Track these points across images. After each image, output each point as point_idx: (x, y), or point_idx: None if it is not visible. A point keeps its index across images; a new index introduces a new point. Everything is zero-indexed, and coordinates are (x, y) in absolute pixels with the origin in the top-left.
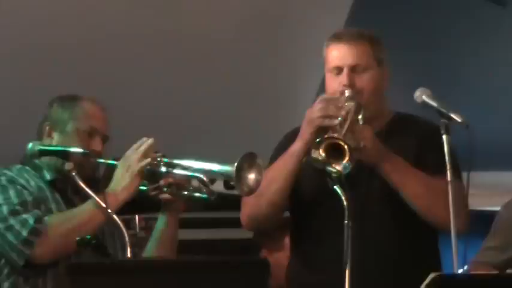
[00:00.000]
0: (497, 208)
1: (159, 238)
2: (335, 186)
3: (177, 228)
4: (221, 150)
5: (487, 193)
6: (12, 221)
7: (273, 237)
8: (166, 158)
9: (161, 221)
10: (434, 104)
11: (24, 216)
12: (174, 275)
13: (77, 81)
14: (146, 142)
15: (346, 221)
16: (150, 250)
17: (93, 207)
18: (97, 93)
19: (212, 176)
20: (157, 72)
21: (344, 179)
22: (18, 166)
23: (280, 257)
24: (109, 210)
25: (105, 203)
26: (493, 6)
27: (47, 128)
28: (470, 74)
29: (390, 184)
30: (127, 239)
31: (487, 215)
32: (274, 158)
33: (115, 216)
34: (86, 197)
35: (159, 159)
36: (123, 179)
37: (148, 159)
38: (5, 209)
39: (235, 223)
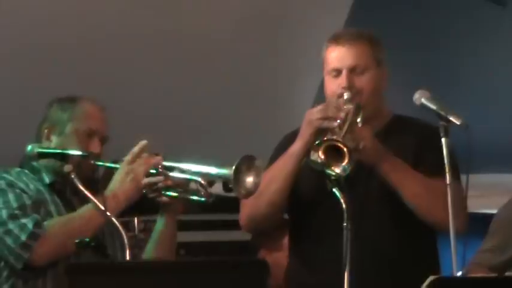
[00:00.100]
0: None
1: (158, 239)
2: (334, 189)
3: (175, 230)
4: (221, 150)
5: (486, 194)
6: (11, 225)
7: (271, 237)
8: (165, 160)
9: (160, 223)
10: (433, 106)
11: (23, 220)
12: (173, 275)
13: (77, 81)
14: (157, 158)
15: (344, 224)
16: (149, 251)
17: (92, 210)
18: (97, 93)
19: (210, 178)
20: (157, 72)
21: (343, 181)
22: (17, 169)
23: (279, 257)
24: (108, 213)
25: (105, 206)
26: (492, 6)
27: (46, 130)
28: (470, 74)
29: (389, 184)
30: (126, 241)
31: (486, 217)
32: (273, 158)
33: (114, 219)
34: (85, 198)
35: (160, 168)
36: (126, 186)
37: (160, 178)
38: (4, 213)
39: (234, 225)
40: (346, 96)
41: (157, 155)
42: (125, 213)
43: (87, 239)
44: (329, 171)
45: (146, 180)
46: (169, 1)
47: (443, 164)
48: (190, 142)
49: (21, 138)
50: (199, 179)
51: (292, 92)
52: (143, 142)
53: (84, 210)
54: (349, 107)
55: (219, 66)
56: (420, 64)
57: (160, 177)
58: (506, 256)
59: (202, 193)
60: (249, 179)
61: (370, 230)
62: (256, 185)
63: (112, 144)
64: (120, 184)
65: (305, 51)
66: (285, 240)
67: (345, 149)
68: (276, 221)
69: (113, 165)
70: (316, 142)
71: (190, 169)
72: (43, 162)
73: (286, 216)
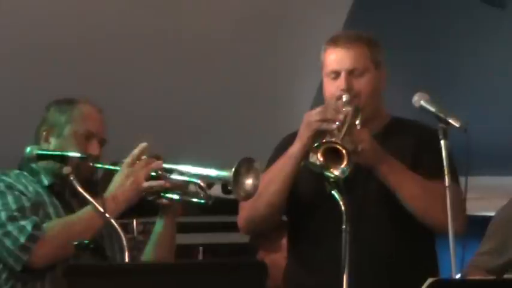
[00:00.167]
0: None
1: (157, 241)
2: (333, 191)
3: (174, 232)
4: (221, 150)
5: (485, 197)
6: (10, 227)
7: (270, 238)
8: (165, 162)
9: (159, 225)
10: (432, 108)
11: (22, 222)
12: (172, 277)
13: (77, 81)
14: (157, 162)
15: (343, 226)
16: (148, 253)
17: (91, 212)
18: (97, 93)
19: (210, 181)
20: (157, 72)
21: (342, 183)
22: (16, 171)
23: (277, 258)
24: (107, 215)
25: (104, 208)
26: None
27: (44, 132)
28: (469, 74)
29: (387, 186)
30: (125, 243)
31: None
32: (272, 159)
33: (113, 221)
34: (84, 200)
35: (159, 171)
36: (124, 185)
37: (161, 183)
38: (3, 215)
39: (233, 227)
40: (344, 98)
41: (157, 157)
42: (124, 215)
43: (86, 241)
44: (328, 174)
45: (146, 184)
46: (169, 1)
47: (442, 166)
48: (190, 142)
49: (20, 139)
50: (199, 181)
51: (291, 92)
52: (143, 144)
53: (83, 212)
54: (348, 109)
55: (219, 66)
56: (420, 64)
57: (161, 182)
58: (504, 259)
59: (202, 195)
60: (248, 181)
61: (368, 232)
62: (255, 187)
63: (112, 145)
64: (120, 186)
65: (305, 52)
66: (283, 242)
67: (344, 151)
68: (275, 223)
69: (112, 167)
70: (315, 144)
71: (190, 171)
72: (42, 164)
73: (284, 217)
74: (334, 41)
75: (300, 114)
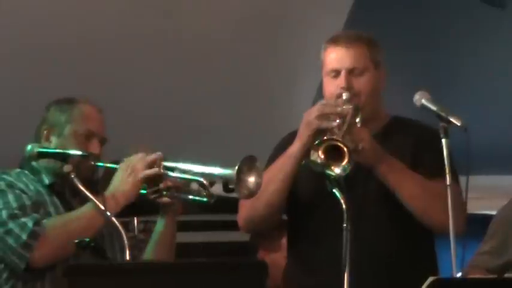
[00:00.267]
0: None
1: (158, 240)
2: (334, 190)
3: (175, 231)
4: (221, 150)
5: (485, 196)
6: (11, 224)
7: (270, 237)
8: (166, 160)
9: (160, 224)
10: (433, 107)
11: (23, 219)
12: (172, 276)
13: (77, 81)
14: (157, 154)
15: (344, 225)
16: (149, 252)
17: (92, 210)
18: (97, 93)
19: (212, 179)
20: (157, 72)
21: (343, 182)
22: (17, 170)
23: (277, 258)
24: (108, 213)
25: (105, 205)
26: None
27: (45, 132)
28: (469, 74)
29: (387, 185)
30: (126, 241)
31: (486, 218)
32: (272, 159)
33: (114, 219)
34: (85, 199)
35: (160, 167)
36: (125, 183)
37: (156, 169)
38: (4, 213)
39: (233, 226)
40: (344, 96)
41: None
42: (125, 214)
43: (87, 239)
44: (329, 172)
45: (144, 172)
46: (169, 1)
47: (441, 165)
48: (190, 142)
49: (21, 139)
50: (202, 180)
51: (291, 92)
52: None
53: (83, 210)
54: (348, 107)
55: (219, 66)
56: (420, 64)
57: (156, 169)
58: (504, 259)
59: (204, 194)
60: (251, 179)
61: (367, 231)
62: (258, 185)
63: (112, 145)
64: (120, 182)
65: (305, 52)
66: (283, 241)
67: (345, 149)
68: (274, 222)
69: (113, 165)
70: (316, 142)
71: (192, 169)
72: (43, 162)
73: (284, 217)
74: (335, 40)
75: (299, 114)
